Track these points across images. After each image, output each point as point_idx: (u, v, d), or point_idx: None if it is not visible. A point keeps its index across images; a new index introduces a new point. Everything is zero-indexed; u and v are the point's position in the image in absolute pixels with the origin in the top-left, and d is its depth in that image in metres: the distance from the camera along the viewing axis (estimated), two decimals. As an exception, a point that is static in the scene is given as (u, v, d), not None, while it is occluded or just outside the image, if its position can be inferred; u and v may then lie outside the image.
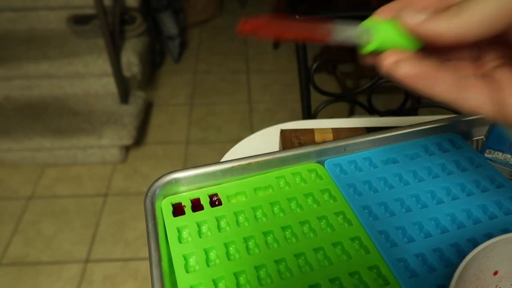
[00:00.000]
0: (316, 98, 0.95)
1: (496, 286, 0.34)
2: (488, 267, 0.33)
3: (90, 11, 1.94)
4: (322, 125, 0.58)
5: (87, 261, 1.50)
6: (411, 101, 0.94)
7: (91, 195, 1.73)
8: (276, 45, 2.61)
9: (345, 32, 0.27)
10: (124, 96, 1.90)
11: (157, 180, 0.43)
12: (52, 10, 2.00)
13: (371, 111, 0.93)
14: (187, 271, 0.37)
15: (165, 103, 2.21)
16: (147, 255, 0.39)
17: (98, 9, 1.64)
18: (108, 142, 1.77)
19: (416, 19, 0.25)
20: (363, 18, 0.26)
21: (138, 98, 1.96)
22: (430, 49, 0.27)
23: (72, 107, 1.89)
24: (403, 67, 0.26)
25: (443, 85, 0.25)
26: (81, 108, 1.89)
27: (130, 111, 1.88)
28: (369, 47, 0.27)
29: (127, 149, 1.88)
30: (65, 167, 1.84)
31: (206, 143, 1.98)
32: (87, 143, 1.76)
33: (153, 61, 2.37)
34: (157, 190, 0.42)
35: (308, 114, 0.94)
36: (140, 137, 1.95)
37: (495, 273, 0.34)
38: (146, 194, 0.41)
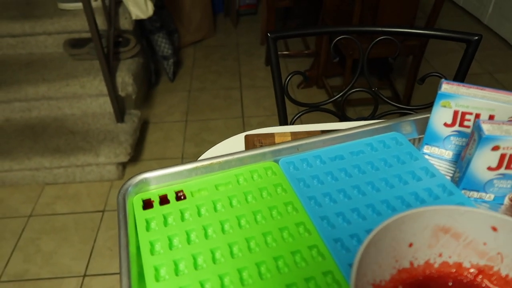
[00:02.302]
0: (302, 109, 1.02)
1: (412, 257, 0.40)
2: (403, 239, 0.38)
3: (86, 35, 2.03)
4: (284, 131, 0.64)
5: (85, 275, 1.55)
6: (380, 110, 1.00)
7: (89, 212, 1.78)
8: (268, 61, 2.70)
9: None
10: (120, 115, 1.97)
11: (129, 179, 0.49)
12: (50, 35, 2.09)
13: (344, 119, 0.99)
14: (152, 254, 0.43)
15: (160, 121, 2.29)
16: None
17: (93, 33, 1.72)
18: (105, 160, 1.83)
19: None
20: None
21: (133, 116, 2.03)
22: None
23: (70, 127, 1.97)
24: None
25: None
26: (79, 128, 1.96)
27: (126, 129, 1.95)
28: None
29: (124, 166, 1.95)
30: (64, 185, 1.90)
31: (201, 158, 2.04)
32: (85, 161, 1.82)
33: (149, 81, 2.46)
34: (130, 188, 0.48)
35: (285, 124, 1.00)
36: (136, 154, 2.01)
37: (410, 245, 0.39)
38: (119, 191, 0.47)
